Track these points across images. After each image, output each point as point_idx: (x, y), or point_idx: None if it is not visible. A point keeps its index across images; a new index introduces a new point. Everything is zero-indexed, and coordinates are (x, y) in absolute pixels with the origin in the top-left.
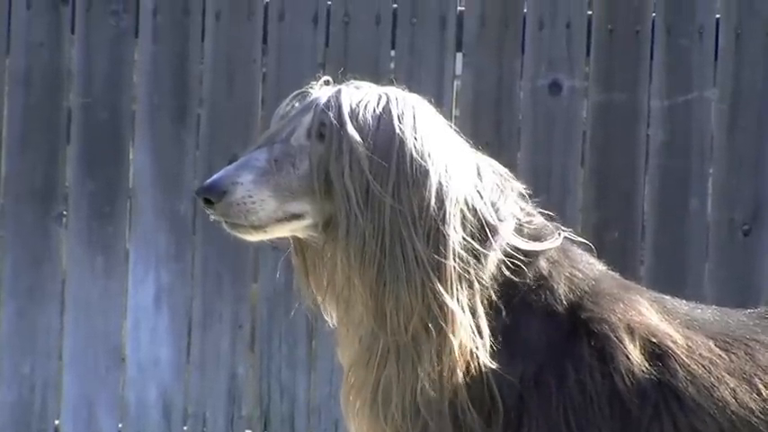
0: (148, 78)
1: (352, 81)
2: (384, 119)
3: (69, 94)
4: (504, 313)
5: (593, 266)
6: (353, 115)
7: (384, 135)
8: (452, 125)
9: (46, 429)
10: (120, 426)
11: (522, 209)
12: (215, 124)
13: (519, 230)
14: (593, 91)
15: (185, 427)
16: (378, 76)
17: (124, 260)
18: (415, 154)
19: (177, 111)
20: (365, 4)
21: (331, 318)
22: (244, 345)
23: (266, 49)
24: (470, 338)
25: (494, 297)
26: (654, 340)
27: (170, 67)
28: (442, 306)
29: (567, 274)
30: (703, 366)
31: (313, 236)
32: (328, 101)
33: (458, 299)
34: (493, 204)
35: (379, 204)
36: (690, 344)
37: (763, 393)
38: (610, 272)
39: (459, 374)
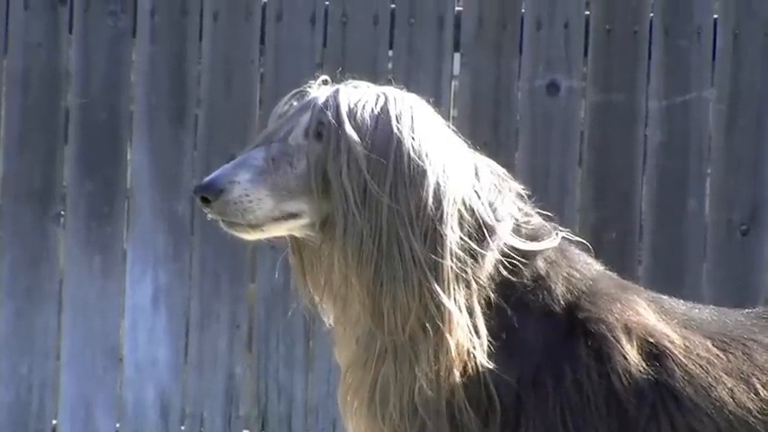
0: (146, 79)
1: (350, 81)
2: (382, 119)
3: (67, 94)
4: (501, 313)
5: (590, 266)
6: (351, 115)
7: (382, 135)
8: (450, 125)
9: (43, 429)
10: (117, 426)
11: (519, 209)
12: (213, 124)
13: (517, 230)
14: (590, 91)
15: (183, 427)
16: (376, 77)
17: (122, 260)
18: (412, 154)
19: (175, 111)
20: (363, 5)
21: (328, 317)
22: (241, 345)
23: (264, 50)
24: (467, 338)
25: (491, 297)
26: (651, 340)
27: (168, 68)
28: (439, 306)
29: (565, 274)
30: (701, 366)
31: (310, 235)
32: (326, 100)
33: (455, 299)
34: (490, 204)
35: (377, 204)
36: (687, 344)
37: (761, 393)
38: (607, 272)
39: (457, 374)
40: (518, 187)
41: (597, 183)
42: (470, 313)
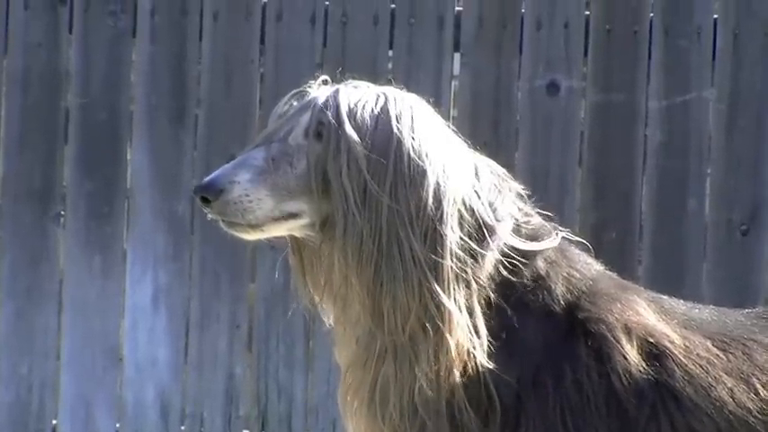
0: (146, 79)
1: (350, 81)
2: (382, 118)
3: (67, 94)
4: (501, 313)
5: (590, 266)
6: (351, 115)
7: (382, 135)
8: (450, 125)
9: (43, 429)
10: (117, 426)
11: (519, 209)
12: (213, 124)
13: (517, 230)
14: (590, 91)
15: (183, 427)
16: (376, 77)
17: (122, 260)
18: (412, 154)
19: (175, 111)
20: (363, 5)
21: (328, 317)
22: (241, 345)
23: (264, 50)
24: (467, 338)
25: (491, 297)
26: (651, 340)
27: (168, 68)
28: (439, 306)
29: (565, 274)
30: (701, 366)
31: (310, 235)
32: (326, 100)
33: (455, 299)
34: (490, 204)
35: (377, 204)
36: (687, 344)
37: (761, 393)
38: (607, 272)
39: (457, 374)
40: (518, 187)
41: (597, 183)
42: (470, 313)
